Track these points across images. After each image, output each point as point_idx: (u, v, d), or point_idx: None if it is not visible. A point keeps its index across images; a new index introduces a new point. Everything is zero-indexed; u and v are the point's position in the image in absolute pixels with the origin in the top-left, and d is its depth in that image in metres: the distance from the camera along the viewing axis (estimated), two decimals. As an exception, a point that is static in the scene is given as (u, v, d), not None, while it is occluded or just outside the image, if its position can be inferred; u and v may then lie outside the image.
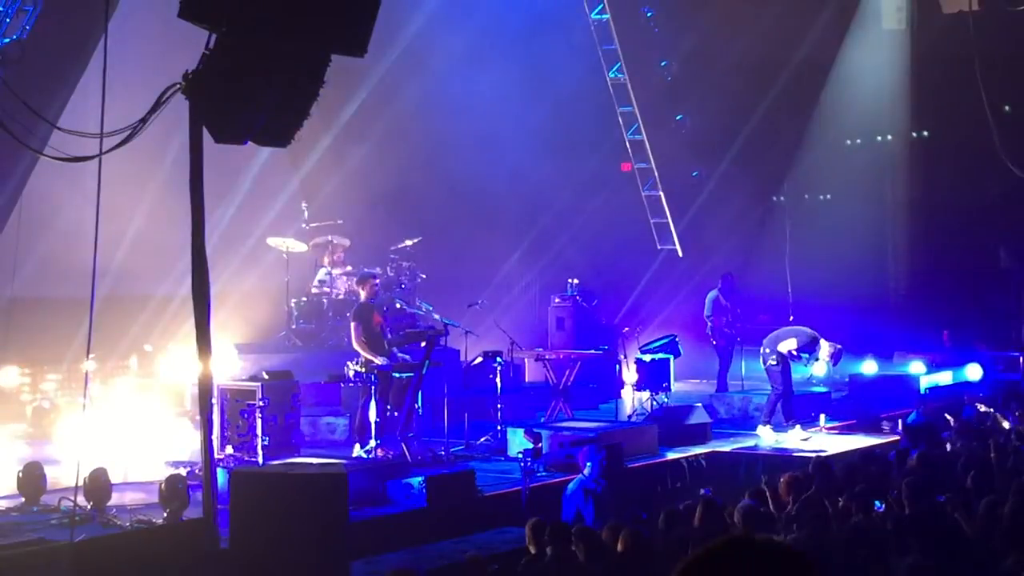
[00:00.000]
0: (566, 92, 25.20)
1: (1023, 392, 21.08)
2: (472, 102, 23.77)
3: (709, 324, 22.01)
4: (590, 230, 25.98)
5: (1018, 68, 23.85)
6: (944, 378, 22.81)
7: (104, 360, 18.45)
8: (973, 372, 22.95)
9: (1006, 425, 17.04)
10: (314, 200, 21.93)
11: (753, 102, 26.02)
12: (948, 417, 17.90)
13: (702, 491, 12.23)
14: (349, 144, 22.96)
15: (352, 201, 23.07)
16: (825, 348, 18.49)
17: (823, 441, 18.00)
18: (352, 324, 15.98)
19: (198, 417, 10.64)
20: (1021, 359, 23.65)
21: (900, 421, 18.26)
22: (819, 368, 18.84)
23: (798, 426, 18.37)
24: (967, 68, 21.91)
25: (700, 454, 16.95)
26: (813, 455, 15.43)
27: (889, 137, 27.76)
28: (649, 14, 27.44)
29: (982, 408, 18.35)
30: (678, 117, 27.86)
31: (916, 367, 22.94)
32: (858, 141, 27.21)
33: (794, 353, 18.48)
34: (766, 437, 18.18)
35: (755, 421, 19.40)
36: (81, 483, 11.03)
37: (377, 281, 17.19)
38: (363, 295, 16.43)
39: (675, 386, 21.13)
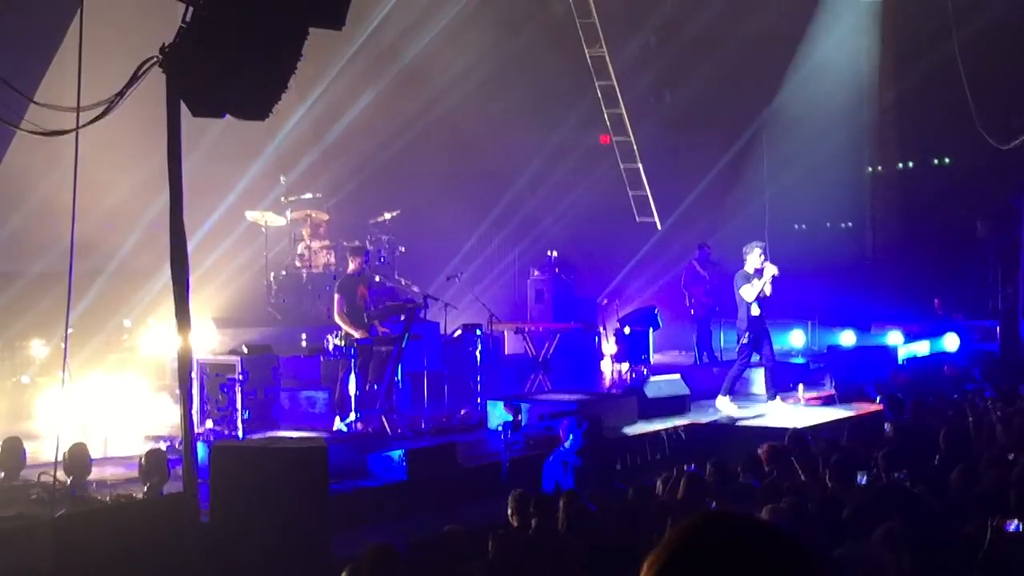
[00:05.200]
0: (546, 66, 25.22)
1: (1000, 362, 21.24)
2: (453, 78, 23.80)
3: (687, 295, 22.09)
4: (568, 203, 26.01)
5: (996, 38, 23.88)
6: (922, 348, 22.93)
7: (84, 335, 18.38)
8: (950, 342, 23.07)
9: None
10: (292, 173, 21.88)
11: (731, 75, 25.96)
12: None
13: (686, 467, 12.22)
14: (328, 118, 22.93)
15: (331, 174, 23.05)
16: (754, 260, 18.23)
17: (801, 413, 18.04)
18: (336, 296, 16.00)
19: (178, 391, 10.62)
20: (998, 329, 23.76)
21: (879, 392, 18.35)
22: (770, 270, 18.15)
23: (726, 397, 18.43)
24: (944, 38, 21.99)
25: (679, 426, 16.99)
26: (791, 426, 15.49)
27: (865, 108, 27.79)
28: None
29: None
30: (666, 99, 27.79)
31: (894, 338, 23.05)
32: (835, 113, 27.16)
33: (757, 293, 18.07)
34: (724, 408, 18.22)
35: (734, 394, 19.51)
36: (60, 458, 11.00)
37: (367, 257, 17.19)
38: (351, 266, 16.44)
39: (654, 358, 21.19)
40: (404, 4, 22.70)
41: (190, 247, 9.60)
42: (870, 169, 28.37)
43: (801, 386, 19.36)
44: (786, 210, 25.99)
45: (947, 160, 27.56)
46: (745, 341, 18.27)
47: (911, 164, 27.84)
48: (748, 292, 18.07)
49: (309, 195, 21.18)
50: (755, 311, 18.09)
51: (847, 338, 23.18)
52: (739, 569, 2.23)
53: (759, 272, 18.10)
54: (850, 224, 28.49)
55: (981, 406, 16.10)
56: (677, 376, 18.83)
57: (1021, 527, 8.06)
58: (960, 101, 22.01)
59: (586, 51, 26.75)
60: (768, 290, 18.02)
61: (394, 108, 23.80)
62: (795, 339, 24.08)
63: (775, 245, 25.29)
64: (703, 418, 17.71)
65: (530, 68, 24.68)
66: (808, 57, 26.70)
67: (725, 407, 18.13)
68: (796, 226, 27.38)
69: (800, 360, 21.56)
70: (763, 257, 18.17)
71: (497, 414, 16.03)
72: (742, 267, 18.22)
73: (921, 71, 25.09)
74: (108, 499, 11.62)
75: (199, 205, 19.21)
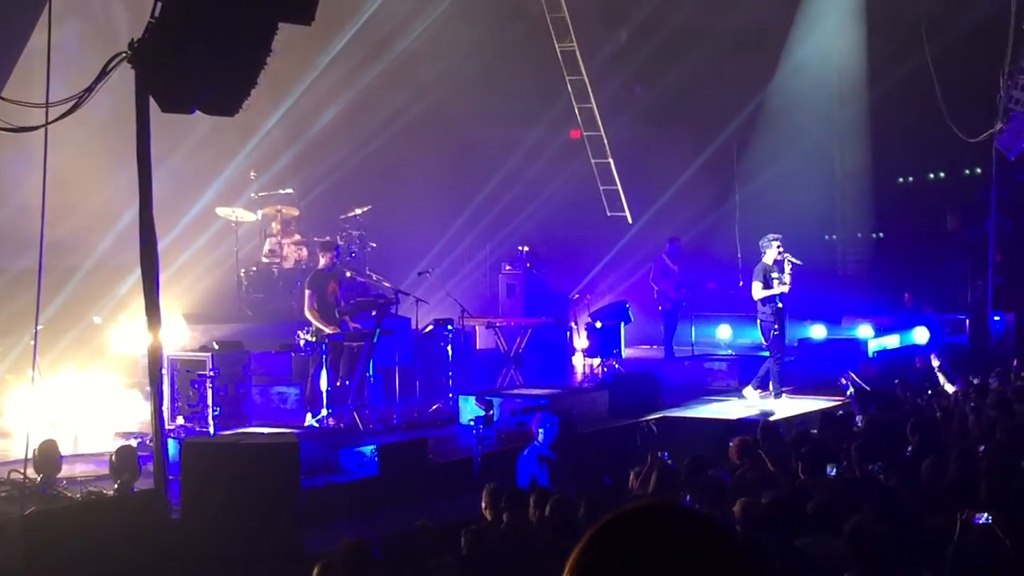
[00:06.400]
0: (522, 63, 25.29)
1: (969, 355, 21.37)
2: (431, 79, 23.88)
3: (655, 289, 22.08)
4: (541, 198, 26.02)
5: (965, 34, 23.99)
6: (892, 341, 23.04)
7: (57, 332, 18.29)
8: (920, 335, 23.19)
9: (949, 389, 17.20)
10: (263, 169, 21.81)
11: (705, 73, 25.94)
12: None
13: (660, 454, 12.21)
14: (304, 118, 22.89)
15: (304, 173, 23.01)
16: (772, 253, 18.04)
17: (772, 405, 18.07)
18: (306, 292, 15.97)
19: (148, 388, 10.60)
20: (967, 322, 23.90)
21: (849, 385, 18.40)
22: (789, 263, 17.97)
23: (757, 392, 18.39)
24: (915, 35, 22.17)
25: (651, 420, 17.02)
26: (762, 419, 15.55)
27: (839, 104, 27.88)
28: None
29: (935, 363, 18.34)
30: (636, 91, 27.84)
31: (864, 331, 23.15)
32: (809, 109, 27.19)
33: (771, 293, 17.98)
34: (750, 399, 18.23)
35: (705, 387, 19.61)
36: (31, 455, 10.97)
37: (337, 253, 17.13)
38: (322, 262, 16.41)
39: (626, 352, 21.21)
40: (385, 7, 22.69)
41: (165, 244, 9.60)
42: (842, 165, 28.42)
43: (770, 381, 19.44)
44: (758, 207, 26.02)
45: (918, 156, 27.70)
46: (776, 332, 18.21)
47: (883, 160, 27.90)
48: (757, 290, 18.03)
49: (280, 191, 21.11)
50: (779, 303, 18.02)
51: (818, 331, 23.26)
52: (656, 557, 2.25)
53: (778, 264, 17.99)
54: (821, 220, 28.54)
55: (951, 398, 16.22)
56: (649, 371, 18.89)
57: (990, 520, 8.11)
58: (930, 98, 22.17)
59: (556, 46, 26.76)
60: (787, 280, 17.90)
61: (370, 108, 23.76)
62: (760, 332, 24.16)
63: (747, 241, 25.40)
64: (674, 412, 17.74)
65: (507, 66, 24.69)
66: (784, 57, 26.77)
67: (751, 397, 18.29)
68: (768, 222, 27.44)
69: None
70: (780, 249, 18.01)
71: (469, 409, 16.05)
72: (763, 270, 18.11)
73: (894, 70, 25.17)
74: (79, 496, 11.59)
75: (175, 204, 19.22)
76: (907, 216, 27.52)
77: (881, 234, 28.68)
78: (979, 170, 25.36)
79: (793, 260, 17.88)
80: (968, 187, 26.16)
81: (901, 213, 27.69)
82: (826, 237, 28.68)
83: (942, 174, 27.72)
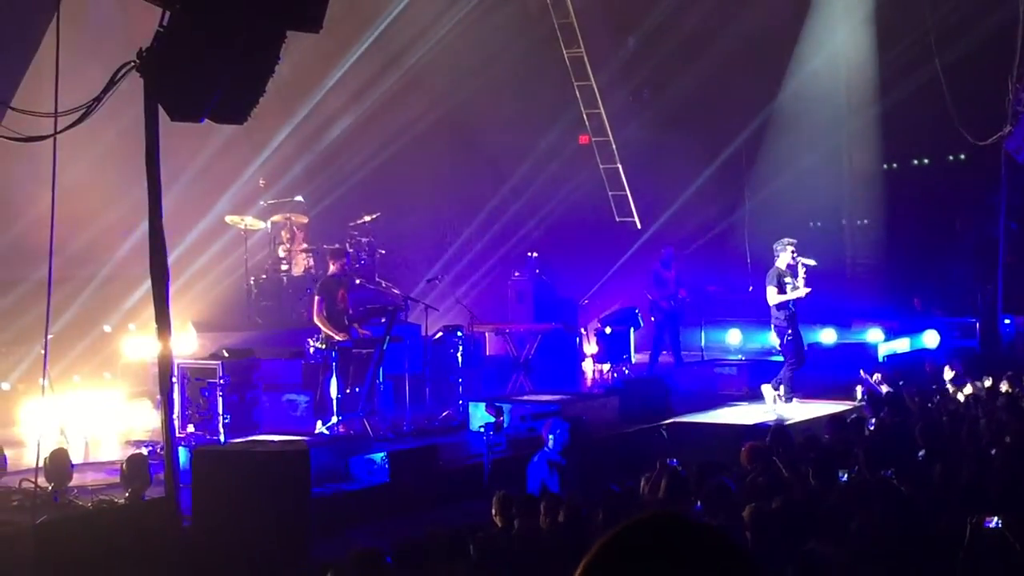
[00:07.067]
0: (534, 69, 25.33)
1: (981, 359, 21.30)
2: (438, 86, 23.91)
3: (650, 300, 21.97)
4: (551, 205, 26.02)
5: (976, 40, 23.97)
6: (902, 345, 22.99)
7: (70, 340, 18.33)
8: (930, 339, 23.13)
9: (960, 396, 17.11)
10: (275, 179, 21.85)
11: (715, 79, 25.91)
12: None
13: (669, 461, 12.17)
14: (313, 124, 22.91)
15: (313, 179, 23.03)
16: (786, 257, 17.78)
17: (783, 410, 18.02)
18: (316, 298, 15.97)
19: (159, 396, 10.62)
20: (977, 325, 23.83)
21: (860, 389, 18.36)
22: (803, 266, 17.69)
23: (775, 393, 18.26)
24: (926, 41, 22.16)
25: (661, 425, 16.99)
26: (773, 424, 15.51)
27: (848, 108, 27.85)
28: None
29: (949, 374, 18.27)
30: (645, 96, 27.83)
31: (874, 335, 23.10)
32: (820, 115, 27.15)
33: (787, 298, 17.73)
34: (766, 396, 18.18)
35: (716, 393, 19.56)
36: (42, 464, 10.98)
37: (348, 260, 17.16)
38: (332, 268, 16.42)
39: (635, 357, 21.19)
40: (398, 19, 22.75)
41: (176, 254, 9.60)
42: (852, 169, 28.39)
43: (782, 385, 19.40)
44: (768, 211, 26.00)
45: (927, 160, 27.74)
46: (791, 338, 18.07)
47: (892, 164, 27.90)
48: (772, 295, 17.86)
49: (289, 199, 21.13)
50: (792, 308, 17.88)
51: (828, 336, 23.22)
52: (664, 570, 2.25)
53: (792, 268, 17.78)
54: (834, 222, 28.51)
55: (963, 402, 16.18)
56: (659, 376, 18.84)
57: (1001, 524, 8.09)
58: (940, 101, 22.15)
59: (564, 52, 26.77)
60: (801, 284, 17.65)
61: (381, 117, 23.80)
62: (774, 338, 24.13)
63: (757, 246, 25.38)
64: (685, 417, 17.70)
65: (517, 73, 24.72)
66: (795, 64, 26.73)
67: (769, 398, 18.18)
68: (778, 228, 27.42)
69: (780, 358, 21.63)
70: (795, 253, 17.78)
71: (479, 415, 16.02)
72: (777, 274, 17.87)
73: (905, 75, 25.13)
74: (90, 505, 11.60)
75: (187, 214, 19.25)
76: (915, 219, 27.46)
77: (827, 223, 28.57)
78: (927, 160, 25.28)
79: (807, 262, 17.73)
80: (966, 169, 26.08)
81: (910, 216, 27.63)
82: (819, 223, 28.56)
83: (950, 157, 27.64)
